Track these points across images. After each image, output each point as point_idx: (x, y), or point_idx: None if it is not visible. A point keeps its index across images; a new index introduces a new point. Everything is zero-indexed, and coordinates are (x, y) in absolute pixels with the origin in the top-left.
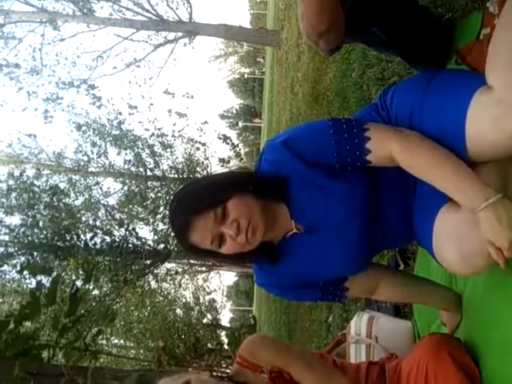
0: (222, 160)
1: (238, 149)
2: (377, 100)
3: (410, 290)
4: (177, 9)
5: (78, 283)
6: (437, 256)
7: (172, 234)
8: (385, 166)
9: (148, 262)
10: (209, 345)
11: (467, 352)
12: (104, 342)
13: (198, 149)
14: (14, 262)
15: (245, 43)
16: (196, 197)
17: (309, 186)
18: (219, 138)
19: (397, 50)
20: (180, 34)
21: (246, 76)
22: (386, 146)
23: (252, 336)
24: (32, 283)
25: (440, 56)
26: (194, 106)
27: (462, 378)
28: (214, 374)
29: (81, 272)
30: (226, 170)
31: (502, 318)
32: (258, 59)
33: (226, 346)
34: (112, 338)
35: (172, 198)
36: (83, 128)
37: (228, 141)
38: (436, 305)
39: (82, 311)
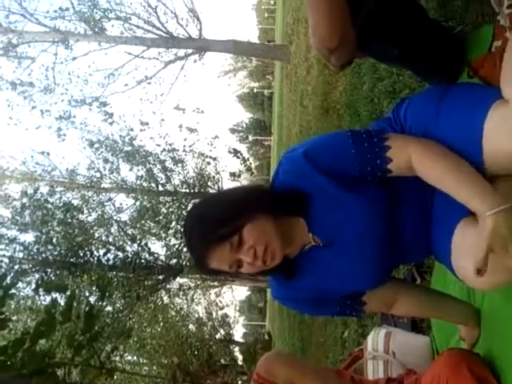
0: (232, 174)
1: (248, 163)
2: (390, 114)
3: (428, 304)
4: (186, 26)
5: (92, 299)
6: (457, 272)
7: (184, 250)
8: (404, 175)
9: (160, 277)
10: (222, 360)
11: (487, 367)
12: (118, 358)
13: (208, 163)
14: (29, 279)
15: (254, 58)
16: (209, 226)
17: (327, 199)
18: (230, 152)
19: (408, 64)
20: (190, 51)
21: (255, 90)
22: (405, 155)
23: (268, 353)
24: (46, 300)
25: (452, 69)
26: (204, 121)
27: None
28: None
29: (95, 288)
30: (238, 184)
31: None
32: (267, 76)
33: (240, 362)
34: (126, 355)
35: (185, 221)
36: (96, 145)
37: (238, 155)
38: (454, 319)
39: (97, 327)
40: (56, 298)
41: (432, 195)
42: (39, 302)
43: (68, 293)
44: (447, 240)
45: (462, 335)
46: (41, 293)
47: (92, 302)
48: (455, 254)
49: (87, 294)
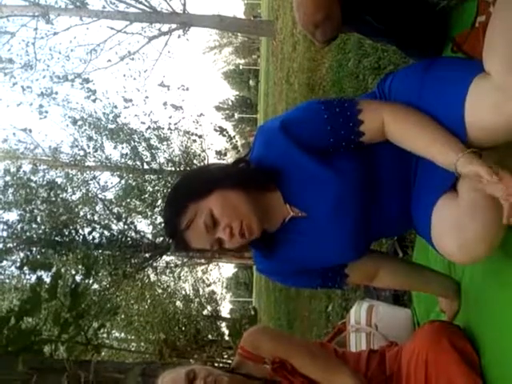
0: (218, 152)
1: (234, 140)
2: (375, 89)
3: (409, 276)
4: (170, 0)
5: (78, 278)
6: (436, 246)
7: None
8: (374, 141)
9: (147, 255)
10: (209, 336)
11: (466, 339)
12: (105, 335)
13: (194, 141)
14: (13, 257)
15: (239, 34)
16: (178, 210)
17: (300, 172)
18: (215, 130)
19: (392, 39)
20: (174, 26)
21: (241, 67)
22: (378, 116)
23: (253, 328)
24: (32, 279)
25: (435, 44)
26: (189, 99)
27: (462, 365)
28: (216, 365)
29: (80, 267)
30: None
31: (500, 305)
32: (253, 55)
33: (226, 337)
34: (113, 332)
35: (164, 204)
36: (79, 122)
37: (224, 133)
38: (435, 292)
39: (83, 305)
40: (41, 276)
41: (414, 169)
42: (25, 281)
43: (53, 270)
44: (427, 214)
45: (442, 307)
46: (26, 271)
47: (78, 280)
48: (435, 229)
49: (73, 273)
